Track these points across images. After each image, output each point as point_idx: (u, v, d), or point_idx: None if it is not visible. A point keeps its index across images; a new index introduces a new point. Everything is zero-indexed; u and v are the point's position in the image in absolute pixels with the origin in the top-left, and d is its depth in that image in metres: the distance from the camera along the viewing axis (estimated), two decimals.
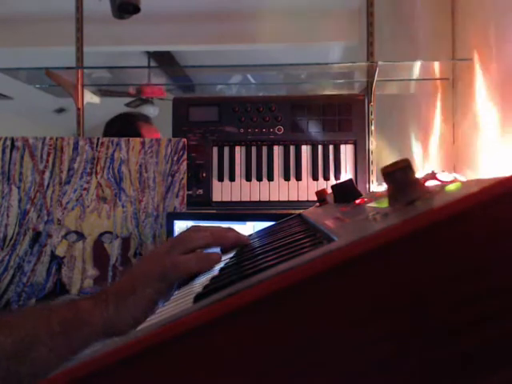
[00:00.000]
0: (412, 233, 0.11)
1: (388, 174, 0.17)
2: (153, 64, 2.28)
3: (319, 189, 0.37)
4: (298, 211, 0.38)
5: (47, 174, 0.63)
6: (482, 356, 0.11)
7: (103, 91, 1.12)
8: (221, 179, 0.73)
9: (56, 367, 0.27)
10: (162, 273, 0.30)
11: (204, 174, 0.72)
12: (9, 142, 0.63)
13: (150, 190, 0.63)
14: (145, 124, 1.10)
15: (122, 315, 0.29)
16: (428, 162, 0.93)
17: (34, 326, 0.28)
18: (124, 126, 1.08)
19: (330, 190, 0.33)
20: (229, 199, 0.72)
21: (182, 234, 0.33)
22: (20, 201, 0.62)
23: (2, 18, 1.75)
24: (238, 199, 0.72)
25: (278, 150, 0.74)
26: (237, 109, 0.75)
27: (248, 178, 0.73)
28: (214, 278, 0.23)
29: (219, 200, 0.72)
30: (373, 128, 0.85)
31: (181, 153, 0.64)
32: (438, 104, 0.90)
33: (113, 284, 0.32)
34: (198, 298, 0.18)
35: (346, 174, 0.73)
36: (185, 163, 0.64)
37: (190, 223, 0.58)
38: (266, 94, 1.23)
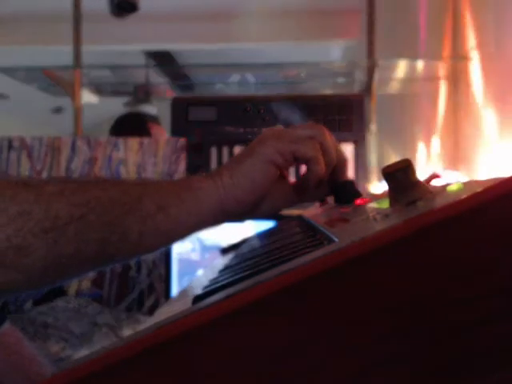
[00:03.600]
0: (413, 233, 0.11)
1: (389, 174, 0.17)
2: (152, 63, 2.27)
3: None
4: (298, 211, 0.38)
5: (45, 174, 0.62)
6: (482, 356, 0.11)
7: (104, 91, 1.11)
8: None
9: (165, 228, 0.25)
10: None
11: (203, 174, 0.72)
12: (6, 142, 0.62)
13: None
14: (155, 125, 1.10)
15: (236, 180, 0.26)
16: (429, 162, 0.93)
17: (137, 183, 0.26)
18: (136, 126, 1.07)
19: None
20: None
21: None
22: None
23: (0, 17, 1.74)
24: None
25: None
26: (236, 109, 0.74)
27: None
28: (213, 279, 0.23)
29: None
30: (373, 128, 0.85)
31: (179, 152, 0.64)
32: (438, 104, 0.90)
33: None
34: (198, 299, 0.18)
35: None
36: (183, 163, 0.64)
37: None
38: (265, 93, 1.23)
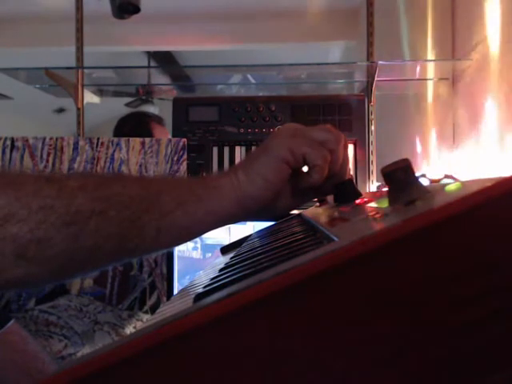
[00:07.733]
0: (412, 233, 0.11)
1: (388, 173, 0.17)
2: (153, 64, 2.28)
3: None
4: (297, 211, 0.38)
5: None
6: (482, 356, 0.11)
7: (106, 92, 1.12)
8: None
9: (183, 225, 0.25)
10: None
11: (204, 174, 0.72)
12: (9, 142, 0.63)
13: None
14: (158, 125, 1.10)
15: (251, 177, 0.26)
16: (428, 162, 0.93)
17: (156, 180, 0.27)
18: (138, 126, 1.07)
19: None
20: None
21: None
22: None
23: (1, 18, 1.75)
24: None
25: None
26: (237, 109, 0.75)
27: None
28: (214, 278, 0.23)
29: None
30: (373, 128, 0.85)
31: (181, 153, 0.64)
32: (438, 104, 0.90)
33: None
34: (199, 297, 0.18)
35: None
36: (185, 163, 0.64)
37: None
38: (265, 94, 1.23)
